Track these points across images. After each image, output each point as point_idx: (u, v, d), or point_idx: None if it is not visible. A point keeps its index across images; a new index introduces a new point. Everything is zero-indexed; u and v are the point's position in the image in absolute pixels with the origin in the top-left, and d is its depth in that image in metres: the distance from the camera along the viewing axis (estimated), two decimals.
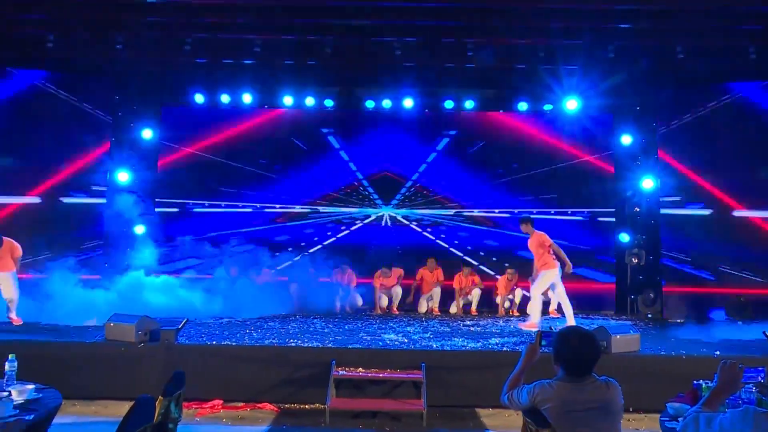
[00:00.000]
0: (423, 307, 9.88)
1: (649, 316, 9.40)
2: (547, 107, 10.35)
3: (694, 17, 8.25)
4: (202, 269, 9.53)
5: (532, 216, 8.41)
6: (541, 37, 8.82)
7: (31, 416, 3.04)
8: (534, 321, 7.76)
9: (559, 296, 7.88)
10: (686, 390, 3.68)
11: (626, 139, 10.17)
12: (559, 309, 8.43)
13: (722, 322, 8.66)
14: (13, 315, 7.54)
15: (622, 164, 10.27)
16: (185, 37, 9.01)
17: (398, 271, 9.84)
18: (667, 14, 8.26)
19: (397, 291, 9.80)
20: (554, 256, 7.65)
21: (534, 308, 7.84)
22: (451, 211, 10.87)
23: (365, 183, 10.93)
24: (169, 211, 10.65)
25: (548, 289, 9.59)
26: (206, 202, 10.81)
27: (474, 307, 9.79)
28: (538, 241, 7.74)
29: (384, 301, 9.77)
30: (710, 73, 9.46)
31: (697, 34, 8.68)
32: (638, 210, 10.01)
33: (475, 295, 9.81)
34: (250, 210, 10.85)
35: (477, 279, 9.89)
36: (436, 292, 9.85)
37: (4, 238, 7.56)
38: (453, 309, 9.78)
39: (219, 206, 10.86)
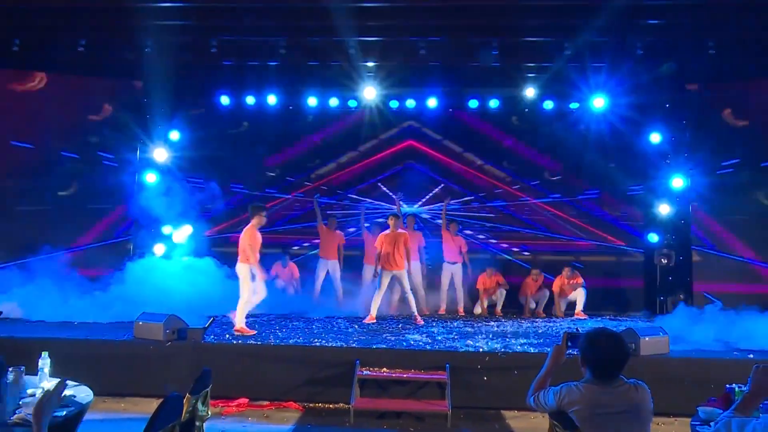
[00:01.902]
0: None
1: None
2: (574, 105, 10.22)
3: (724, 11, 8.04)
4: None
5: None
6: (568, 34, 8.69)
7: (64, 412, 3.12)
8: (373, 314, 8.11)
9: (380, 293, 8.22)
10: (718, 394, 3.60)
11: (655, 137, 9.97)
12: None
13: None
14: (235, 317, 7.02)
15: (651, 163, 10.08)
16: (211, 39, 9.14)
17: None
18: (697, 9, 8.06)
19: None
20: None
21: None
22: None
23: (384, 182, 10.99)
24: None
25: (572, 290, 9.47)
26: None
27: (499, 307, 9.70)
28: (407, 239, 8.15)
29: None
30: (742, 68, 9.20)
31: (728, 28, 8.46)
32: (668, 210, 9.79)
33: (500, 295, 9.72)
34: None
35: (501, 279, 9.80)
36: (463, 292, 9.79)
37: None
38: (477, 310, 9.70)
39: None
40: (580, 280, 9.52)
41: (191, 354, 6.10)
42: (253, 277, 7.02)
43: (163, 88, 10.13)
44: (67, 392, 3.42)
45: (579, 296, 9.47)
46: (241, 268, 7.01)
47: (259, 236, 7.10)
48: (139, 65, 9.65)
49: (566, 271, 9.54)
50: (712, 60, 8.82)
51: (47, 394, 2.40)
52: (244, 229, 7.14)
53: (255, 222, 7.10)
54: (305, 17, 8.58)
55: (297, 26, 8.92)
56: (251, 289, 7.00)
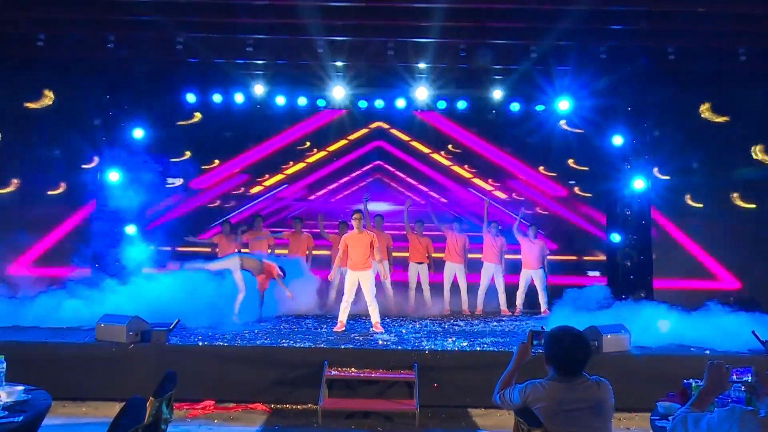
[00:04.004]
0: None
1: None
2: (539, 108, 10.40)
3: (684, 19, 8.31)
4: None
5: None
6: (533, 38, 8.84)
7: (20, 418, 3.02)
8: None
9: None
10: (676, 389, 3.72)
11: (617, 140, 10.23)
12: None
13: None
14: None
15: (613, 164, 10.33)
16: (177, 36, 8.96)
17: None
18: (659, 15, 8.31)
19: None
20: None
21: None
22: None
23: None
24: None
25: (534, 250, 9.58)
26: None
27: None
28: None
29: None
30: (701, 74, 9.52)
31: (688, 35, 8.74)
32: (629, 212, 10.05)
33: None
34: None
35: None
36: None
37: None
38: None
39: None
40: (542, 242, 9.65)
41: (155, 356, 5.99)
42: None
43: (126, 84, 9.91)
44: (23, 397, 3.32)
45: (540, 293, 9.55)
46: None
47: (347, 241, 7.61)
48: (102, 61, 9.40)
49: (531, 230, 9.62)
50: (672, 65, 9.10)
51: None
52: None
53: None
54: (273, 15, 8.49)
55: (265, 24, 8.83)
56: (370, 292, 7.53)
